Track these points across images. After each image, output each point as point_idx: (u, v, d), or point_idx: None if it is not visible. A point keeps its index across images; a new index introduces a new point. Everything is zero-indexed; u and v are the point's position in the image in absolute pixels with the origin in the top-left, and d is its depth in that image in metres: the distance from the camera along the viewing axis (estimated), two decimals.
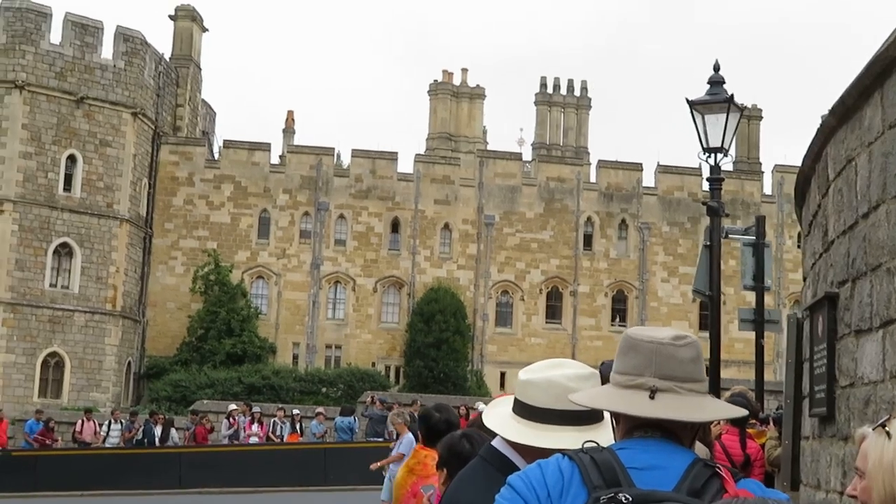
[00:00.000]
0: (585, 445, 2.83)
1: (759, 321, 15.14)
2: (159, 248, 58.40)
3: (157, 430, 35.12)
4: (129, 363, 55.38)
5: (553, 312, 60.98)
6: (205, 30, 64.46)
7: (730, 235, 16.42)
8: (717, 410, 2.97)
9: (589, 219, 61.37)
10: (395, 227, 60.45)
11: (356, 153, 61.23)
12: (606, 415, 3.32)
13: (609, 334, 58.34)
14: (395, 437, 32.72)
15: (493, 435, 3.81)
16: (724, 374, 15.81)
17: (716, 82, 14.50)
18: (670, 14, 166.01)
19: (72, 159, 52.75)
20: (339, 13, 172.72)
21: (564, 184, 61.38)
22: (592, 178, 62.47)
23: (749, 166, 66.04)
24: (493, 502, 2.84)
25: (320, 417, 35.47)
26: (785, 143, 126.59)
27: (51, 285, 51.83)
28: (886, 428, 2.79)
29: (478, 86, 73.24)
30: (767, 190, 63.18)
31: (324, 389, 53.36)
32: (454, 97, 71.95)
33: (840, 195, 6.90)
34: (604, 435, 3.16)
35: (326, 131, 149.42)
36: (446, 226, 60.58)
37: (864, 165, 6.24)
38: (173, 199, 59.00)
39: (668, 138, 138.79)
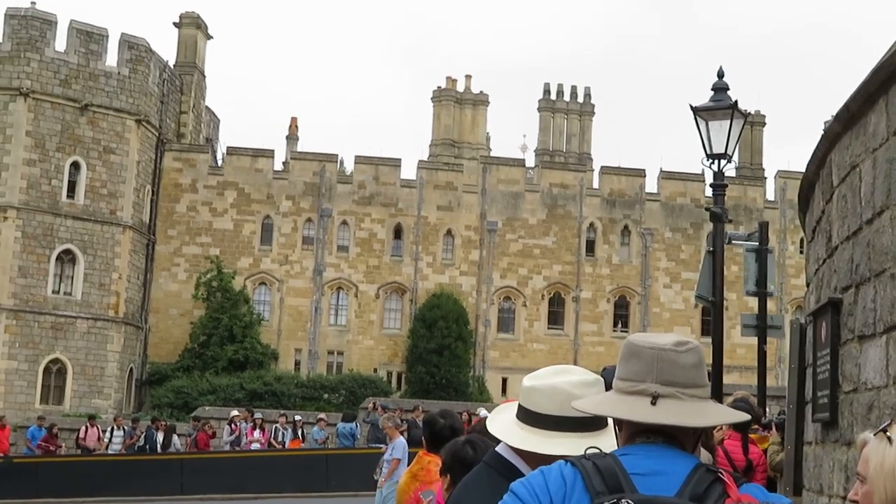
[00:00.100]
0: (588, 451, 2.83)
1: (761, 327, 15.15)
2: (162, 255, 58.45)
3: (159, 437, 35.08)
4: (132, 369, 55.41)
5: (555, 318, 60.99)
6: (209, 37, 64.58)
7: (733, 241, 16.42)
8: (718, 415, 2.97)
9: (591, 225, 61.39)
10: (397, 233, 60.49)
11: (359, 160, 61.30)
12: (610, 421, 3.31)
13: (611, 340, 58.34)
14: None
15: (497, 441, 3.81)
16: (727, 379, 15.82)
17: (719, 88, 14.52)
18: (673, 21, 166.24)
19: (75, 166, 52.85)
20: (342, 20, 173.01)
21: (567, 190, 61.41)
22: (595, 185, 62.51)
23: (752, 172, 66.05)
24: None
25: (322, 423, 35.42)
26: (787, 149, 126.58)
27: (53, 292, 51.87)
28: (888, 433, 2.79)
29: (481, 92, 73.22)
30: (770, 196, 63.22)
31: (326, 395, 53.39)
32: (457, 104, 71.96)
33: (844, 201, 6.89)
34: (607, 441, 3.16)
35: (330, 138, 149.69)
36: (449, 232, 60.61)
37: (869, 172, 6.24)
38: (176, 205, 59.07)
39: (671, 144, 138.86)
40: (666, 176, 62.48)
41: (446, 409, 8.05)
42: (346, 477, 30.38)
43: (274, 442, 34.59)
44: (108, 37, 54.47)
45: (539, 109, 72.79)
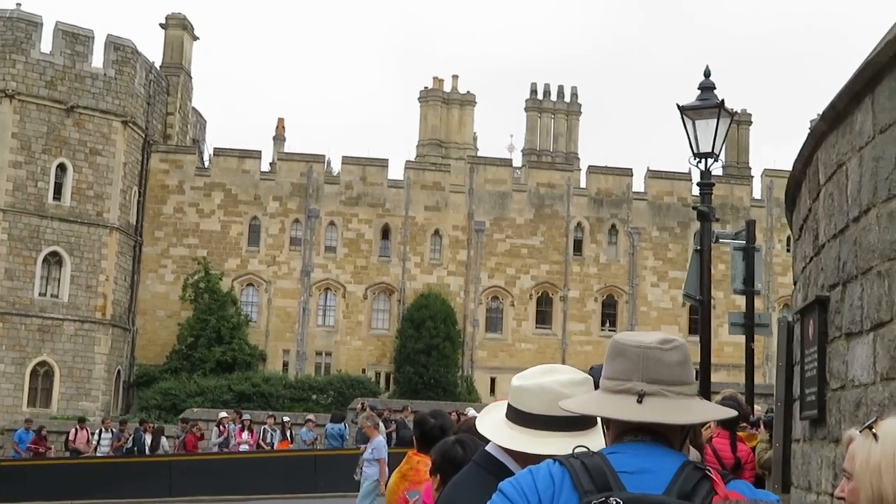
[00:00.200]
0: (576, 450, 2.83)
1: (749, 325, 15.19)
2: (149, 257, 58.32)
3: (147, 439, 35.00)
4: (119, 372, 55.27)
5: (543, 318, 61.05)
6: (195, 38, 64.47)
7: (720, 240, 16.46)
8: (704, 412, 2.97)
9: (579, 224, 61.46)
10: (385, 233, 60.48)
11: (346, 160, 61.26)
12: (599, 420, 3.32)
13: (599, 339, 58.41)
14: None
15: (487, 440, 3.81)
16: (714, 377, 15.86)
17: (706, 88, 14.55)
18: (659, 20, 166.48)
19: (62, 168, 52.69)
20: (329, 21, 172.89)
21: (554, 189, 61.47)
22: (582, 184, 62.58)
23: (738, 171, 66.24)
24: None
25: (310, 424, 35.40)
26: (774, 148, 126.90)
27: (40, 294, 51.72)
28: (873, 430, 2.80)
29: (468, 92, 73.29)
30: (757, 194, 63.38)
31: (314, 396, 53.36)
32: (444, 104, 71.99)
33: (831, 199, 6.91)
34: (597, 440, 3.16)
35: (317, 139, 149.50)
36: (436, 232, 60.62)
37: (855, 170, 6.25)
38: (163, 207, 58.96)
39: (658, 144, 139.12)
40: (653, 175, 62.59)
41: (438, 409, 8.05)
42: (334, 478, 30.31)
43: (262, 443, 34.53)
44: (93, 38, 54.33)
45: (526, 109, 72.86)
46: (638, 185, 62.52)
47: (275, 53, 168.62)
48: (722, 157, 15.21)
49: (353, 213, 60.11)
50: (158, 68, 60.54)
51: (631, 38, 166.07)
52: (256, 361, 56.56)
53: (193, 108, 66.67)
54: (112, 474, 31.79)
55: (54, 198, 52.29)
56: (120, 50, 55.12)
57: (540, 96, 73.07)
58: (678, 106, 14.52)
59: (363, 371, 57.53)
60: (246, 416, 35.73)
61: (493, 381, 58.09)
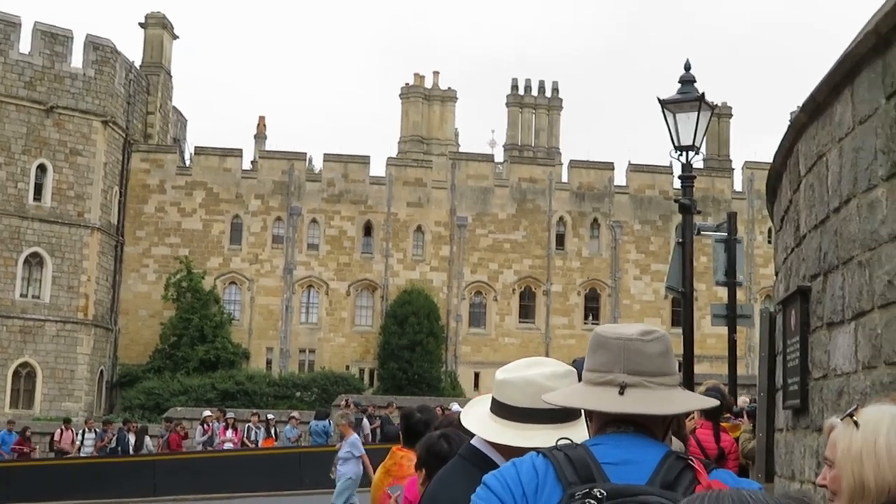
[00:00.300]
0: (559, 443, 2.84)
1: (731, 316, 15.27)
2: (131, 256, 58.13)
3: (131, 439, 34.92)
4: (102, 372, 55.09)
5: (526, 312, 61.12)
6: (175, 37, 64.25)
7: (702, 232, 16.52)
8: (686, 402, 2.99)
9: (561, 218, 61.54)
10: (367, 230, 60.43)
11: (328, 157, 61.18)
12: (583, 412, 3.32)
13: (582, 333, 58.49)
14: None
15: (472, 434, 3.81)
16: (697, 369, 15.89)
17: (686, 81, 14.57)
18: (639, 15, 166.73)
19: (42, 169, 52.44)
20: (309, 18, 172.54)
21: (536, 184, 61.53)
22: (564, 178, 62.66)
23: (719, 163, 66.42)
24: None
25: (294, 422, 35.35)
26: (754, 140, 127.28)
27: (21, 295, 51.49)
28: (854, 417, 2.81)
29: (449, 88, 73.30)
30: (738, 186, 63.59)
31: (298, 394, 53.31)
32: (426, 100, 71.99)
33: (811, 190, 6.94)
34: (581, 432, 3.17)
35: (298, 136, 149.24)
36: (419, 228, 60.62)
37: (835, 161, 6.28)
38: (144, 206, 58.76)
39: (640, 138, 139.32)
40: (634, 169, 62.72)
41: (425, 405, 8.05)
42: (319, 475, 30.17)
43: (247, 441, 34.48)
44: (72, 38, 54.07)
45: (507, 104, 72.87)
46: (619, 178, 62.71)
47: (255, 52, 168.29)
48: (703, 150, 15.29)
49: (335, 211, 60.04)
50: (138, 68, 60.31)
51: (611, 33, 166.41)
52: (240, 360, 56.49)
53: (174, 108, 66.45)
54: (96, 474, 31.66)
55: (35, 199, 52.05)
56: (99, 50, 54.87)
57: (521, 91, 73.09)
58: (659, 99, 14.54)
59: (347, 368, 57.50)
60: (230, 415, 35.68)
61: (476, 375, 58.17)
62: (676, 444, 4.28)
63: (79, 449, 34.57)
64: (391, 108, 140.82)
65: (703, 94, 14.31)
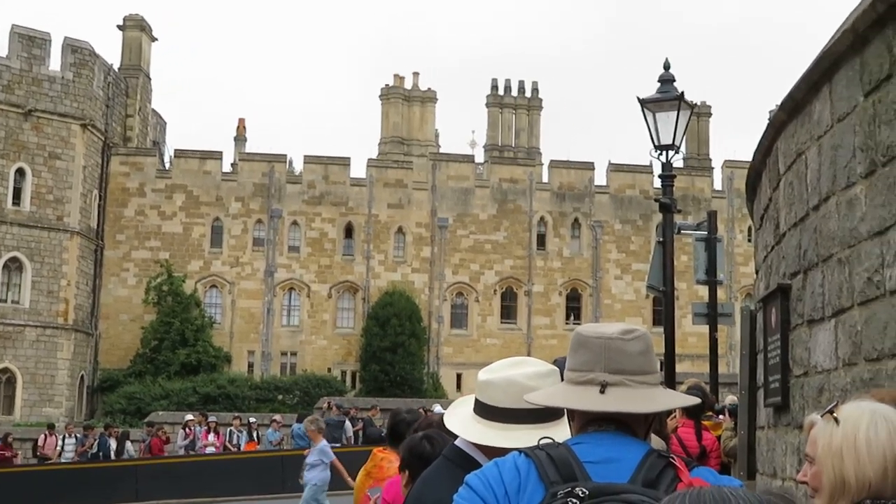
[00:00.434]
0: (541, 442, 2.84)
1: (712, 315, 15.31)
2: (111, 260, 57.89)
3: (112, 444, 34.81)
4: (83, 377, 54.82)
5: (508, 313, 61.17)
6: (154, 39, 64.03)
7: (682, 231, 16.55)
8: (667, 401, 3.00)
9: (542, 219, 61.61)
10: (348, 232, 60.36)
11: (308, 159, 61.07)
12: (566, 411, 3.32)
13: (564, 333, 58.54)
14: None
15: (455, 434, 3.80)
16: (679, 368, 15.96)
17: (666, 80, 14.61)
18: (618, 14, 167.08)
19: (20, 173, 52.15)
20: (288, 20, 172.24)
21: (517, 184, 61.59)
22: (545, 179, 62.71)
23: (699, 162, 66.62)
24: None
25: (276, 425, 35.32)
26: (733, 139, 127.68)
27: (1, 300, 51.20)
28: (834, 414, 2.82)
29: (429, 89, 73.24)
30: (717, 185, 63.79)
31: (280, 397, 53.21)
32: (406, 101, 71.92)
33: (791, 188, 6.96)
34: (564, 432, 3.17)
35: (278, 138, 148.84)
36: (400, 229, 60.59)
37: (814, 158, 6.30)
38: (124, 210, 58.53)
39: (620, 137, 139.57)
40: (615, 168, 62.84)
41: (413, 408, 8.07)
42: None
43: (229, 445, 34.43)
44: (50, 41, 53.81)
45: (487, 105, 72.88)
46: (600, 178, 62.79)
47: (234, 54, 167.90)
48: (682, 149, 15.32)
49: (315, 213, 59.96)
50: (117, 70, 60.07)
51: (590, 32, 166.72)
52: (221, 363, 56.31)
53: (153, 110, 66.25)
54: (78, 480, 31.52)
55: (13, 203, 51.77)
56: (77, 52, 54.62)
57: (501, 92, 73.11)
58: (639, 99, 14.58)
59: (329, 370, 57.42)
60: (212, 418, 35.61)
61: (459, 377, 58.18)
62: (658, 443, 4.27)
63: (59, 455, 34.41)
64: (371, 109, 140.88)
65: (682, 93, 14.36)
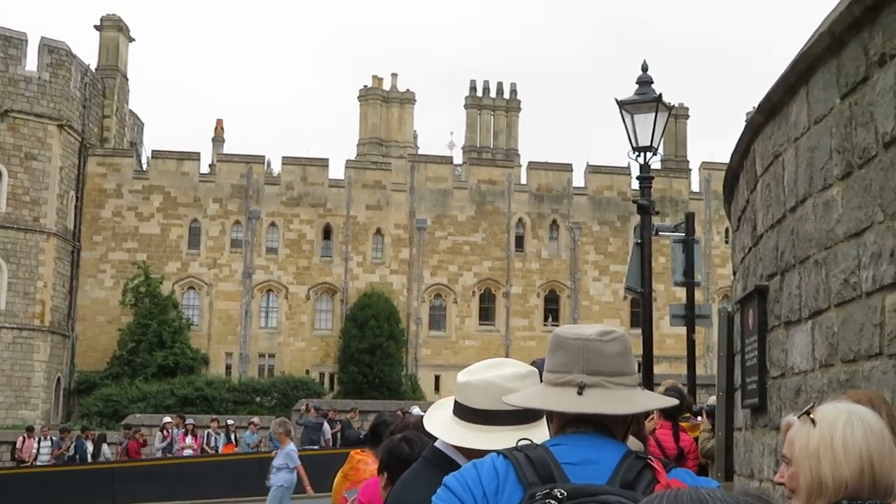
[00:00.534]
0: (520, 443, 2.84)
1: (690, 316, 15.36)
2: (88, 262, 57.59)
3: (89, 446, 34.62)
4: (59, 379, 54.50)
5: (486, 314, 61.20)
6: (131, 40, 63.73)
7: (660, 233, 16.60)
8: (645, 402, 3.01)
9: (520, 220, 61.66)
10: (326, 233, 60.26)
11: (286, 160, 60.93)
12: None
13: (542, 334, 58.58)
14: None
15: (434, 436, 3.80)
16: (656, 369, 15.95)
17: (644, 82, 14.64)
18: (596, 16, 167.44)
19: None
20: (267, 20, 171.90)
21: (495, 186, 61.62)
22: (523, 180, 62.77)
23: (677, 164, 66.84)
24: None
25: (254, 427, 35.25)
26: (711, 141, 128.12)
27: None
28: (811, 415, 2.83)
29: (407, 90, 73.24)
30: (695, 187, 63.98)
31: (258, 399, 53.03)
32: (384, 102, 71.89)
33: (768, 190, 6.99)
34: (543, 433, 3.17)
35: (256, 140, 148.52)
36: (378, 231, 60.53)
37: (791, 160, 6.33)
38: (101, 211, 58.24)
39: (598, 139, 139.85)
40: (593, 170, 62.95)
41: (394, 412, 8.09)
42: None
43: (206, 447, 34.32)
44: (27, 41, 53.48)
45: (466, 106, 72.96)
46: (578, 180, 62.91)
47: (213, 54, 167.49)
48: (660, 150, 15.35)
49: (294, 214, 59.83)
50: (94, 71, 59.76)
51: (569, 34, 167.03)
52: (199, 365, 56.08)
53: (130, 111, 65.97)
54: (54, 483, 31.36)
55: None
56: (54, 52, 54.31)
57: (479, 93, 73.20)
58: (617, 101, 14.62)
59: (307, 372, 57.27)
60: (189, 421, 35.50)
61: (437, 378, 58.17)
62: (636, 444, 4.28)
63: (35, 458, 34.19)
64: (349, 110, 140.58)
65: (660, 94, 14.40)
